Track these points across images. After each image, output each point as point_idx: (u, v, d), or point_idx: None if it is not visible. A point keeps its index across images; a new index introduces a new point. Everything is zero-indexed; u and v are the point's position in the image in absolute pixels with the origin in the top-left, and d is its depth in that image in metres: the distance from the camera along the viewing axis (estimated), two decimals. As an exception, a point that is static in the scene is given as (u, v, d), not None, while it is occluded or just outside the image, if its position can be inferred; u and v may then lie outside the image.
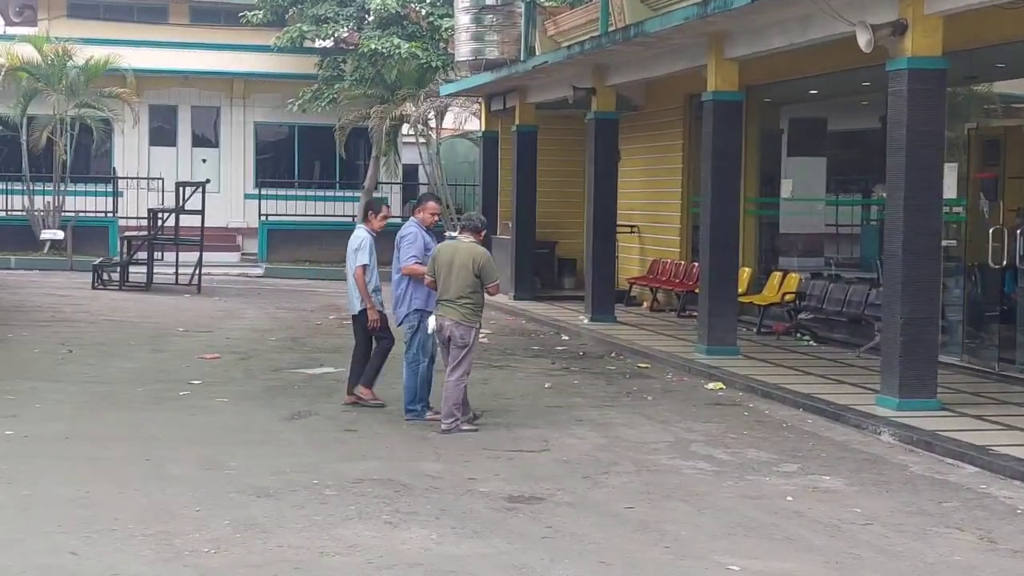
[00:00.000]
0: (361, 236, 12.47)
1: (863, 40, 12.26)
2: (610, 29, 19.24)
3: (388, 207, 13.17)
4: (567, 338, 18.98)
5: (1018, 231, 14.00)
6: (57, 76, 31.48)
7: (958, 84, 14.91)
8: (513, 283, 24.12)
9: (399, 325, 12.12)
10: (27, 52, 31.75)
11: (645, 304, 22.36)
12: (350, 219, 33.45)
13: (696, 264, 19.08)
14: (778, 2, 13.25)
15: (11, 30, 30.38)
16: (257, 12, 32.73)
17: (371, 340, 12.53)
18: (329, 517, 8.19)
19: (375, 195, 31.77)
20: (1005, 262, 14.08)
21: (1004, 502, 9.06)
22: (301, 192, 34.98)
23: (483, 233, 11.66)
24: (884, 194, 12.86)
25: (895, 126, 12.13)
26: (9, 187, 32.76)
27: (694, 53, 16.77)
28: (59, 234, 31.24)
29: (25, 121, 32.07)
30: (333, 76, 32.84)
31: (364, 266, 12.32)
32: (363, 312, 12.40)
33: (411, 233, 12.03)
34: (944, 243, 13.45)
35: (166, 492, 8.84)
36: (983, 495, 9.26)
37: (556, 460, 10.23)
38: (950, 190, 13.91)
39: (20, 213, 32.24)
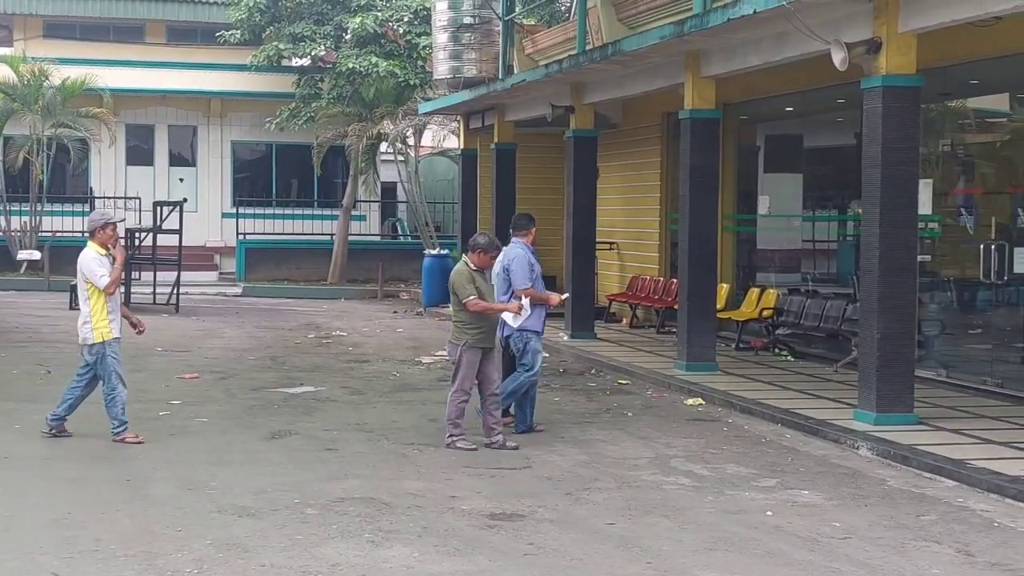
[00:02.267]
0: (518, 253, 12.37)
1: (838, 58, 12.38)
2: (588, 48, 19.35)
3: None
4: (547, 355, 18.90)
5: (992, 246, 14.15)
6: (33, 96, 31.45)
7: (932, 101, 15.07)
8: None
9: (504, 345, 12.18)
10: (3, 72, 31.71)
11: (625, 321, 22.46)
12: (328, 237, 33.52)
13: (675, 280, 19.17)
14: (753, 21, 13.35)
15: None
16: (234, 32, 32.73)
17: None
18: (311, 536, 8.23)
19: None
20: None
21: (981, 515, 9.14)
22: (279, 211, 35.00)
23: (481, 252, 11.55)
24: (860, 210, 12.97)
25: (870, 143, 12.25)
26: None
27: (671, 71, 16.90)
28: (36, 254, 31.20)
29: (1, 141, 32.04)
30: (310, 94, 32.87)
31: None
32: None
33: (520, 256, 12.23)
34: (920, 258, 13.59)
35: (148, 512, 8.86)
36: (961, 508, 9.35)
37: (537, 477, 10.29)
38: (925, 206, 14.04)
39: (-5, 233, 32.21)
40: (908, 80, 12.14)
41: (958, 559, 8.04)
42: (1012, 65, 14.17)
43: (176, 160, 36.48)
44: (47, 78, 31.62)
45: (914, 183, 12.31)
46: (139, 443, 11.27)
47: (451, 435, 11.31)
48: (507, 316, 11.79)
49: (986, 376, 14.36)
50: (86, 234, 11.88)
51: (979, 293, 15.10)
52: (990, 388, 14.10)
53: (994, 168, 15.49)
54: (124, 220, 12.58)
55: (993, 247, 14.15)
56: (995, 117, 16.04)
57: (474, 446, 11.25)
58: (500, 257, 12.15)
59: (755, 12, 12.86)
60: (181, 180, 35.96)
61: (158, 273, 25.62)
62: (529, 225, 12.82)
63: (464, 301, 11.32)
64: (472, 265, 11.52)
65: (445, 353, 18.68)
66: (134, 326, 12.01)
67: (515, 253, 12.35)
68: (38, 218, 32.10)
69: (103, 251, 11.57)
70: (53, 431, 11.50)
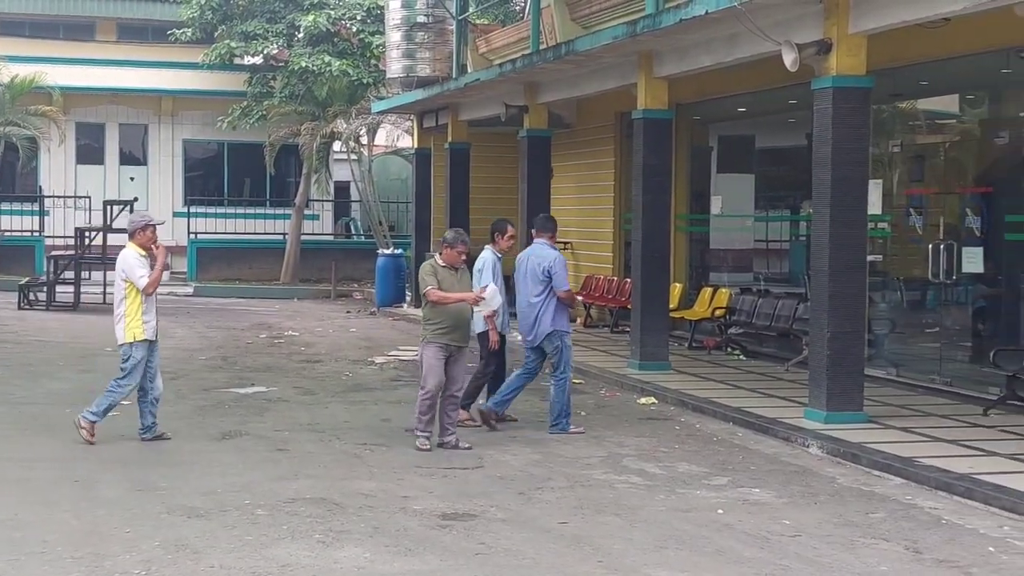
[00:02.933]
0: (486, 257, 12.75)
1: (789, 59, 12.46)
2: (541, 47, 19.39)
3: (513, 227, 13.22)
4: (500, 355, 19.02)
5: (941, 246, 14.29)
6: (-19, 93, 31.20)
7: (883, 102, 15.20)
8: (446, 300, 24.13)
9: (536, 345, 12.43)
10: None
11: (579, 320, 22.48)
12: (281, 237, 33.38)
13: (628, 280, 19.24)
14: (705, 22, 13.43)
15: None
16: (186, 30, 32.60)
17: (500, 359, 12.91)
18: (261, 537, 8.19)
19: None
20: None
21: (929, 512, 9.23)
22: (231, 210, 34.89)
23: (447, 247, 11.50)
24: (811, 210, 13.09)
25: (821, 143, 12.35)
26: (-67, 206, 32.40)
27: (624, 71, 16.96)
28: (-18, 254, 30.93)
29: (-52, 139, 31.76)
30: (263, 93, 32.78)
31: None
32: (483, 333, 12.61)
33: (558, 257, 12.36)
34: (870, 258, 13.71)
35: (96, 513, 8.80)
36: (909, 506, 9.44)
37: (490, 477, 10.30)
38: (875, 206, 14.16)
39: (-56, 233, 31.89)
40: (858, 81, 12.25)
41: (906, 556, 8.11)
42: (961, 66, 14.33)
43: (127, 159, 36.30)
44: (-5, 74, 31.37)
45: (864, 183, 12.43)
46: (90, 443, 11.18)
47: (416, 429, 11.31)
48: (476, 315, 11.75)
49: (935, 375, 14.50)
50: (126, 236, 11.83)
51: (928, 292, 15.25)
52: (939, 386, 14.24)
53: (943, 169, 15.64)
54: (164, 223, 12.68)
55: (942, 247, 14.29)
56: (944, 118, 16.20)
57: (429, 447, 11.24)
58: (527, 258, 12.43)
59: (707, 13, 12.94)
60: (132, 179, 35.77)
61: (108, 273, 25.39)
62: (551, 227, 12.81)
63: (423, 291, 11.33)
64: (440, 261, 11.49)
65: (398, 353, 18.80)
66: None
67: (549, 254, 12.34)
68: (-16, 218, 31.84)
69: (143, 252, 11.58)
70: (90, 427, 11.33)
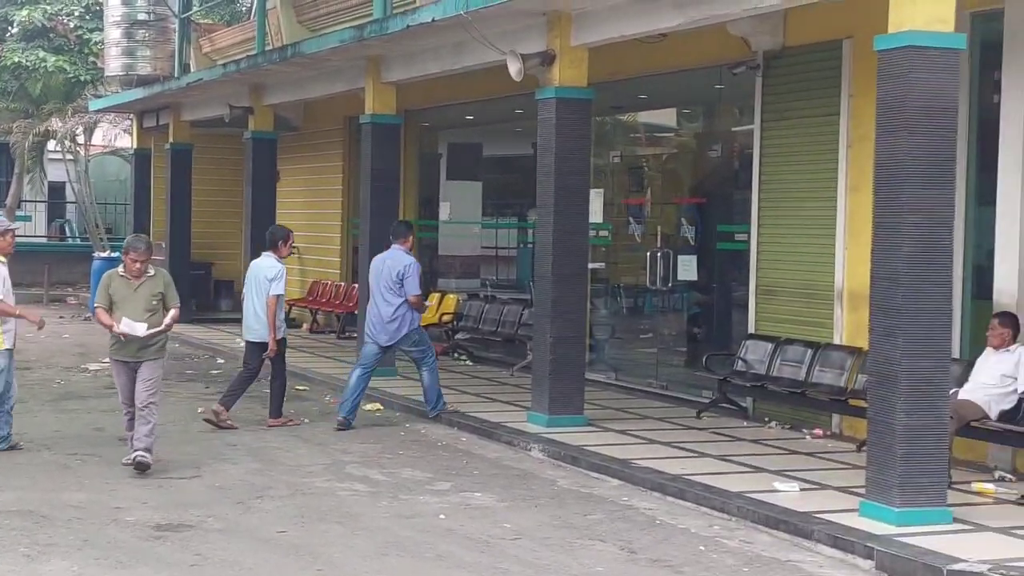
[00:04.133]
0: (277, 266, 12.79)
1: (513, 69, 12.68)
2: (267, 49, 19.17)
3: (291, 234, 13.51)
4: (223, 361, 18.71)
5: (658, 254, 14.80)
6: None
7: (604, 114, 15.64)
8: (167, 306, 23.60)
9: (389, 344, 13.18)
10: None
11: (305, 326, 22.33)
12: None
13: (356, 286, 19.19)
14: (432, 29, 13.53)
15: None
16: None
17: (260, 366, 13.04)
18: (-39, 553, 7.81)
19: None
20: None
21: (644, 513, 9.53)
22: (-67, 210, 33.10)
23: (124, 255, 10.78)
24: (536, 218, 13.36)
25: (544, 152, 12.61)
26: None
27: (352, 75, 16.94)
28: None
29: None
30: (-29, 89, 31.24)
31: (279, 296, 12.72)
32: (260, 341, 12.80)
33: (413, 263, 13.12)
34: (592, 265, 14.07)
35: None
36: (625, 507, 9.71)
37: (208, 486, 10.09)
38: (596, 214, 14.55)
39: None
40: (580, 92, 12.56)
41: (621, 556, 8.33)
42: (678, 81, 14.89)
43: None
44: None
45: (585, 192, 12.75)
46: None
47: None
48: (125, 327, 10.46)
49: (652, 379, 15.01)
50: None
51: (646, 299, 15.77)
52: (655, 390, 14.75)
53: (661, 180, 16.21)
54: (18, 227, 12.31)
55: (659, 255, 14.80)
56: (662, 131, 16.80)
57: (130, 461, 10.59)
58: (382, 262, 13.08)
59: (433, 20, 13.05)
60: None
61: None
62: (407, 232, 13.46)
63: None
64: (121, 270, 10.69)
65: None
66: None
67: (404, 260, 13.06)
68: None
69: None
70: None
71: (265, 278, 12.71)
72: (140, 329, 10.39)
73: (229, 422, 12.64)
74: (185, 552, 8.05)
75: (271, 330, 12.68)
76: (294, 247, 14.98)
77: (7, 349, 11.17)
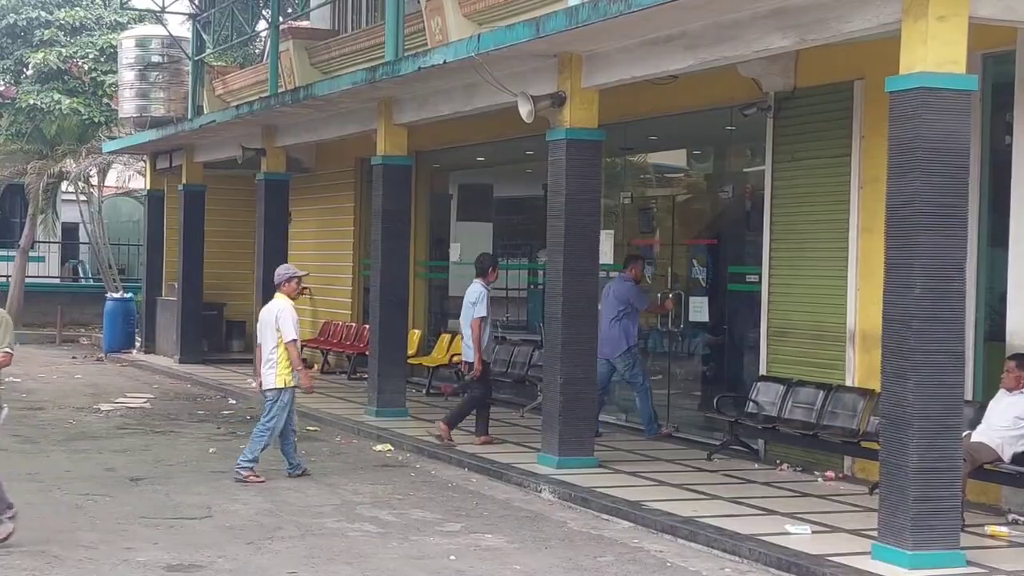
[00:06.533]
0: (480, 291, 13.73)
1: (524, 111, 12.73)
2: (280, 91, 19.27)
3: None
4: (234, 402, 18.71)
5: (669, 296, 14.81)
6: None
7: (614, 155, 15.67)
8: (178, 346, 23.68)
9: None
10: None
11: (316, 367, 22.27)
12: (3, 279, 31.97)
13: (367, 326, 19.19)
14: (444, 71, 13.61)
15: None
16: None
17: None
18: (-28, 593, 7.80)
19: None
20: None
21: (655, 555, 9.49)
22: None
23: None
24: (546, 259, 13.37)
25: (555, 194, 12.64)
26: None
27: (364, 117, 17.02)
28: None
29: None
30: (-15, 130, 31.44)
31: (482, 318, 13.58)
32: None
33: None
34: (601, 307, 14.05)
35: None
36: (636, 549, 9.67)
37: (219, 527, 10.07)
38: (607, 255, 14.56)
39: None
40: (591, 134, 12.60)
41: (632, 598, 8.30)
42: (688, 122, 14.94)
43: None
44: None
45: (596, 233, 12.77)
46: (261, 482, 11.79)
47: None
48: None
49: (663, 420, 14.94)
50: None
51: (658, 340, 15.73)
52: (667, 432, 14.68)
53: (672, 221, 16.21)
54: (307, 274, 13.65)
55: (670, 296, 14.79)
56: (673, 172, 16.82)
57: None
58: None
59: (444, 62, 13.14)
60: None
61: None
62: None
63: None
64: None
65: (126, 400, 18.26)
66: None
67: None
68: None
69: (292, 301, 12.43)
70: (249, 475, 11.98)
71: (469, 302, 13.67)
72: None
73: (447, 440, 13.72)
74: (195, 593, 8.04)
75: (476, 351, 13.55)
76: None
77: (293, 387, 12.22)
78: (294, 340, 12.21)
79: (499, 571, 8.84)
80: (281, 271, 12.84)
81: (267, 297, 19.83)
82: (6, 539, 9.06)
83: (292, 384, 12.18)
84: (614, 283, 14.52)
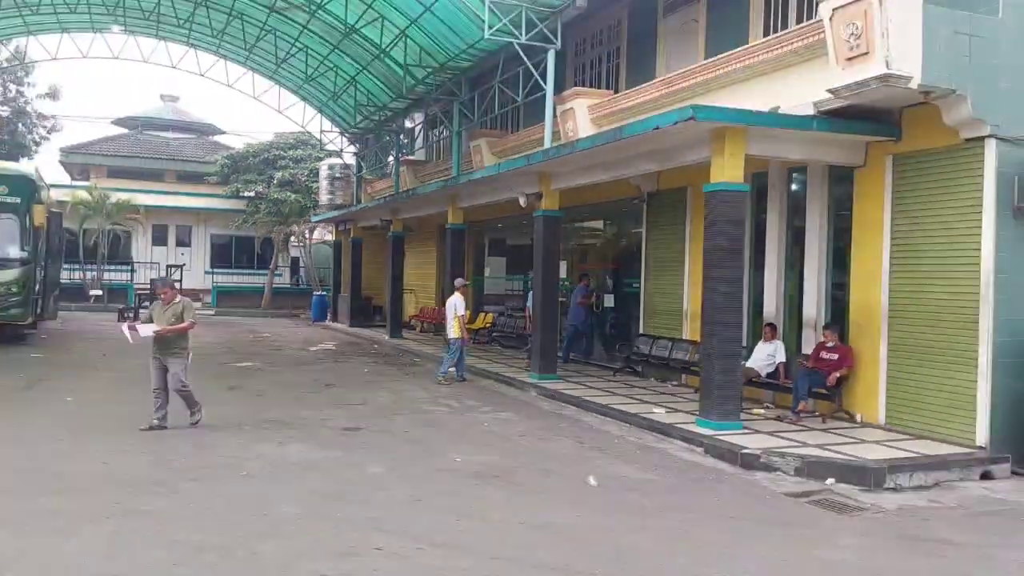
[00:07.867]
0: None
1: (522, 201, 12.63)
2: (401, 190, 19.07)
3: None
4: (377, 347, 18.53)
5: (594, 293, 14.50)
6: (99, 208, 28.80)
7: (567, 223, 15.33)
8: (348, 318, 23.52)
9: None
10: (84, 196, 28.95)
11: (417, 330, 22.09)
12: (262, 285, 31.83)
13: (443, 309, 18.80)
14: (481, 182, 13.41)
15: (75, 182, 27.41)
16: (213, 175, 30.94)
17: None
18: (245, 439, 7.58)
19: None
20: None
21: (589, 424, 9.22)
22: (236, 271, 33.05)
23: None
24: (532, 279, 13.03)
25: (537, 242, 12.43)
26: (71, 267, 29.64)
27: (441, 203, 16.49)
28: (99, 292, 28.44)
29: (82, 232, 29.19)
30: (254, 210, 31.25)
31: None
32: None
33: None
34: (560, 299, 13.68)
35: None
36: (578, 420, 9.43)
37: (370, 408, 9.92)
38: (563, 274, 14.16)
39: (78, 280, 29.23)
40: (555, 213, 12.37)
41: (575, 445, 8.18)
42: (604, 206, 14.66)
43: (180, 243, 33.91)
44: (108, 198, 29.02)
45: (557, 263, 12.37)
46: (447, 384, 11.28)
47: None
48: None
49: (590, 355, 14.51)
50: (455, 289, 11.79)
51: (591, 316, 15.21)
52: (594, 362, 14.20)
53: (595, 256, 15.97)
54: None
55: (595, 293, 14.48)
56: (596, 231, 16.55)
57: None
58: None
59: (482, 177, 12.97)
60: (182, 254, 33.52)
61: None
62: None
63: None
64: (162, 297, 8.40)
65: (323, 344, 18.07)
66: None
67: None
68: (101, 272, 29.29)
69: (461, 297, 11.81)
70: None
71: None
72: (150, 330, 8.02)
73: None
74: (358, 440, 7.94)
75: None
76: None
77: (460, 338, 11.65)
78: (462, 315, 11.96)
79: (509, 429, 8.72)
80: (457, 281, 12.58)
81: (395, 294, 19.78)
82: (196, 423, 8.03)
83: (459, 336, 11.92)
84: (577, 288, 14.07)
